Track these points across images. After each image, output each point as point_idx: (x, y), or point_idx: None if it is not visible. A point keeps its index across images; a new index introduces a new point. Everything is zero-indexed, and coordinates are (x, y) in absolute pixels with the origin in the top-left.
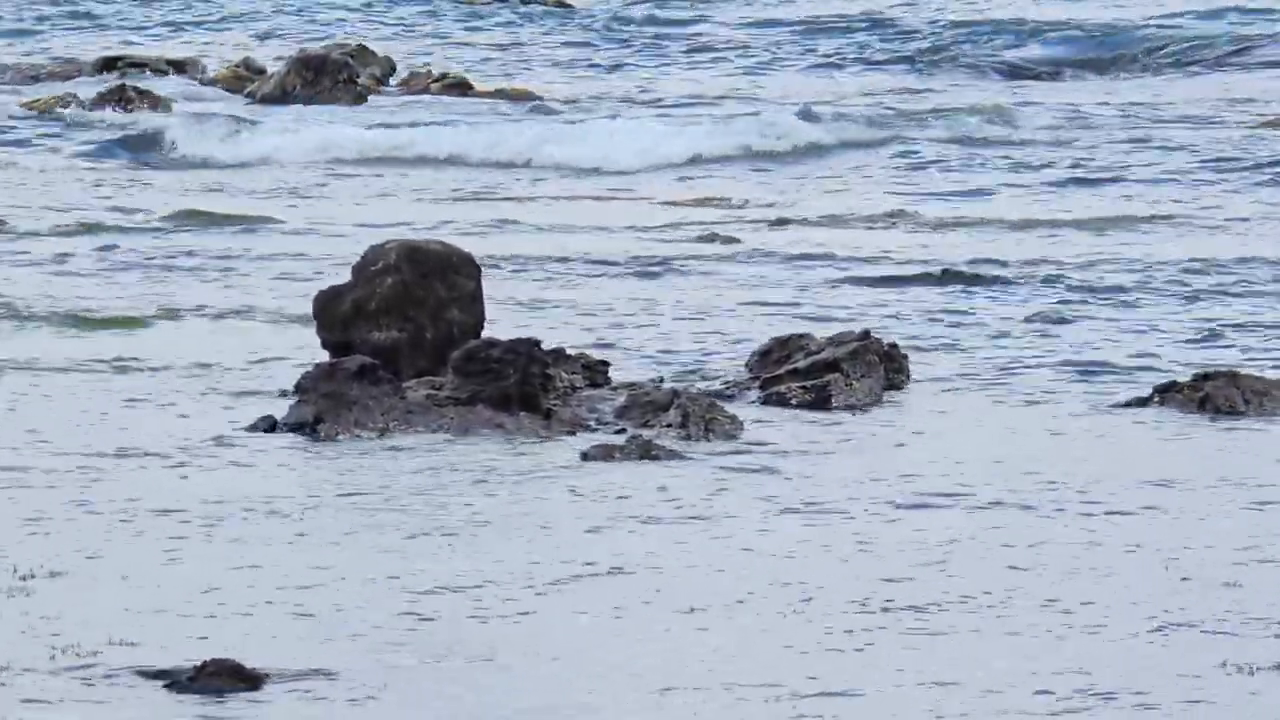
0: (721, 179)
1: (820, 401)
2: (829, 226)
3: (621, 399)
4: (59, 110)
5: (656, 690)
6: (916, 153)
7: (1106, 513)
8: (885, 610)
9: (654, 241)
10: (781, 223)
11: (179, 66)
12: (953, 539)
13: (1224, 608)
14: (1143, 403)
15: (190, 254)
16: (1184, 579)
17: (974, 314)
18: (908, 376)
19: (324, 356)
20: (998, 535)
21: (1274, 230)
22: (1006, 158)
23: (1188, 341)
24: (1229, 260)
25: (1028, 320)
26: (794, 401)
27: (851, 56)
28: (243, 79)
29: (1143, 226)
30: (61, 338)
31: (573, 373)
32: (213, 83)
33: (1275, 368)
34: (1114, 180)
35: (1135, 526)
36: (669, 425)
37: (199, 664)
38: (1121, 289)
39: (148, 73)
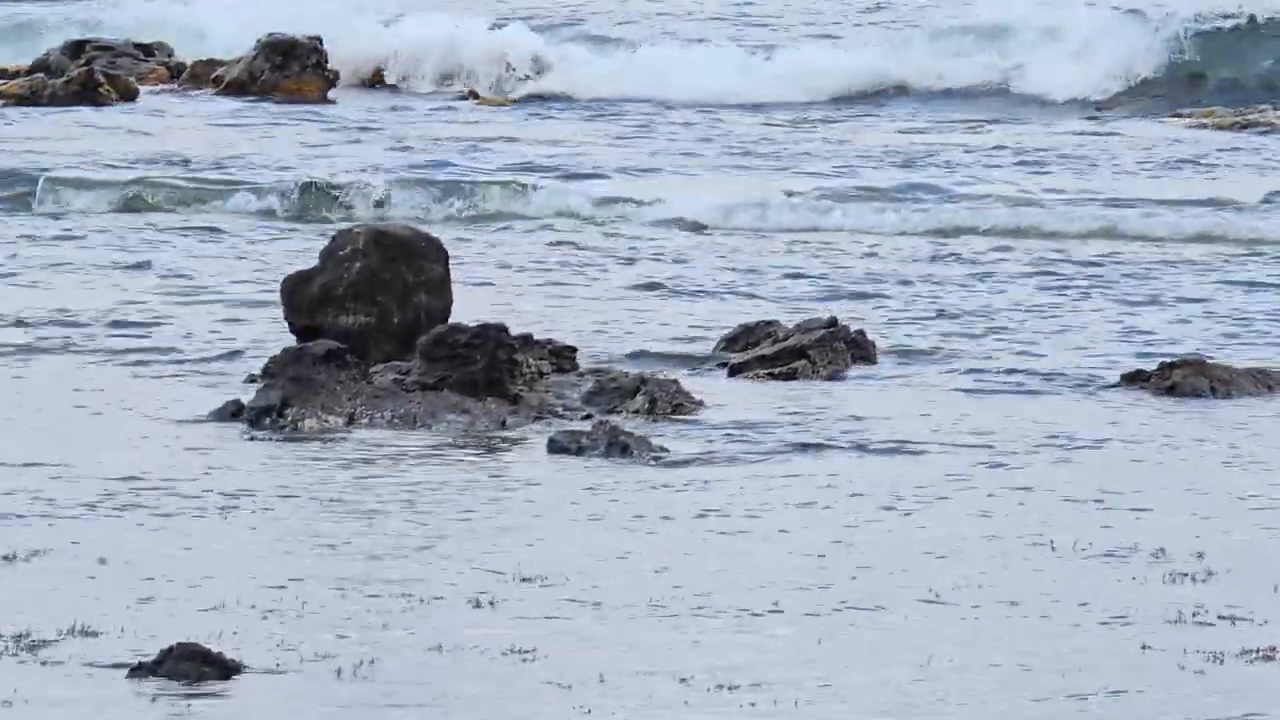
0: None
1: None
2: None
3: (589, 384)
4: None
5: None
6: None
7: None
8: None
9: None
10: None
11: (148, 50)
12: (908, 529)
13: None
14: (1109, 389)
15: None
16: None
17: (944, 301)
18: (875, 363)
19: (291, 340)
20: (956, 525)
21: None
22: None
23: (1157, 332)
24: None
25: (1000, 307)
26: (760, 387)
27: None
28: (213, 63)
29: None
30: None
31: (540, 358)
32: (180, 67)
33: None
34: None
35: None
36: (636, 411)
37: (165, 648)
38: (1096, 277)
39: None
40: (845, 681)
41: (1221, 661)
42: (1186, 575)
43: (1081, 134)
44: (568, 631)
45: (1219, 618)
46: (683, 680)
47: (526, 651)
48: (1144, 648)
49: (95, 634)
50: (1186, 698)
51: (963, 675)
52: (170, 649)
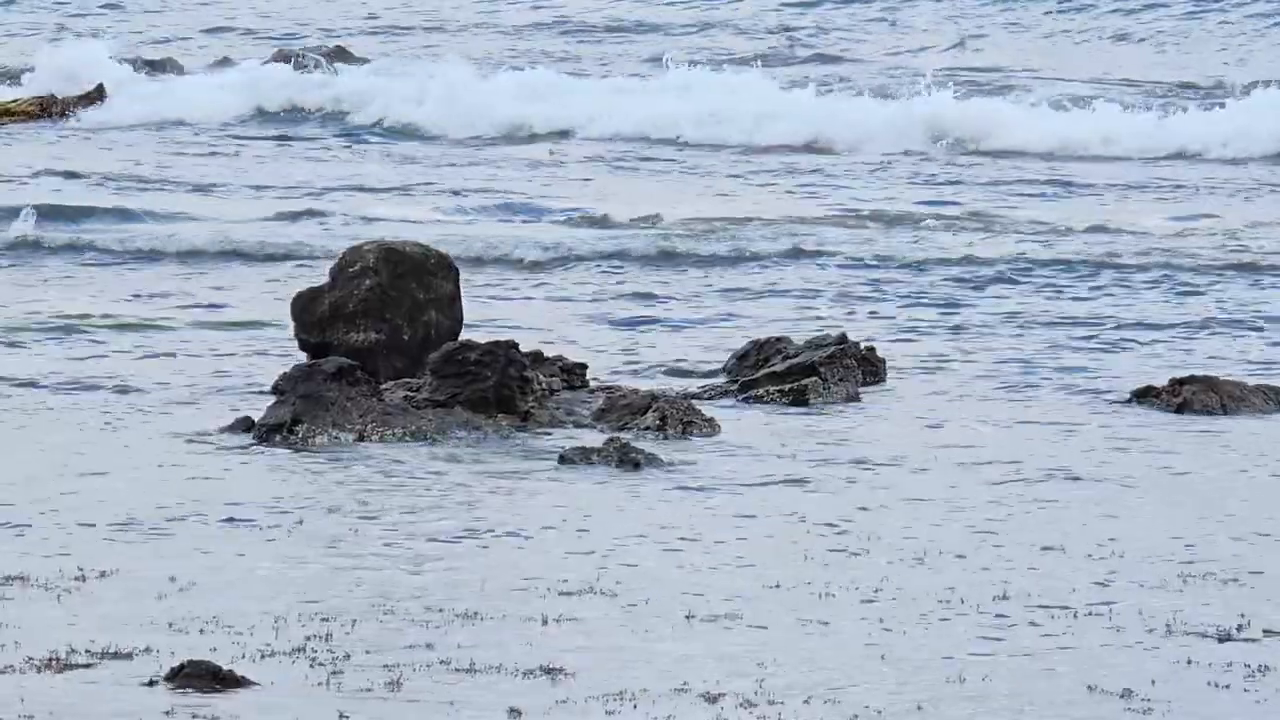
0: None
1: (798, 406)
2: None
3: (599, 401)
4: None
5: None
6: None
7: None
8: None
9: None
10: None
11: (158, 66)
12: (928, 539)
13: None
14: (1122, 405)
15: None
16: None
17: (954, 314)
18: (885, 379)
19: (303, 358)
20: (977, 535)
21: None
22: None
23: (1169, 346)
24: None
25: (1007, 321)
26: (771, 405)
27: None
28: None
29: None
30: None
31: (551, 375)
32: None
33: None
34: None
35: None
36: (647, 428)
37: (175, 665)
38: (1100, 290)
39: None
40: (872, 697)
41: (1264, 674)
42: (1228, 587)
43: None
44: (591, 648)
45: (1264, 632)
46: (712, 698)
47: (556, 670)
48: (1188, 662)
49: (109, 650)
50: (1228, 711)
51: (1002, 687)
52: (180, 666)
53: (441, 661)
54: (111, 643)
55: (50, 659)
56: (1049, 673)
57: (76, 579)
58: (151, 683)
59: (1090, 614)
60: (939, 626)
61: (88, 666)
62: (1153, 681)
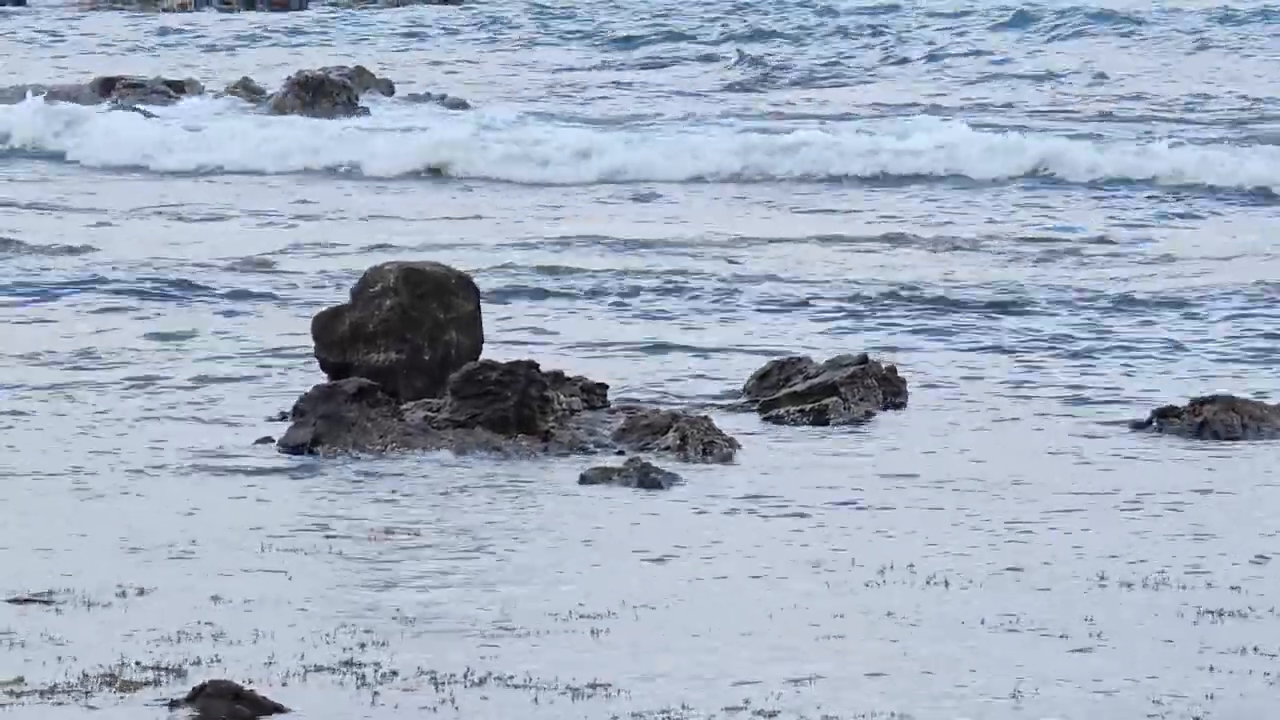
0: None
1: (819, 425)
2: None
3: (620, 421)
4: None
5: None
6: None
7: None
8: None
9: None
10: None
11: (178, 88)
12: (948, 559)
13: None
14: (1140, 426)
15: None
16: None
17: (975, 335)
18: (906, 399)
19: (323, 378)
20: (995, 561)
21: None
22: None
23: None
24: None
25: (1029, 344)
26: (792, 424)
27: None
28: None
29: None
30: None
31: (571, 395)
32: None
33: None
34: None
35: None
36: (667, 448)
37: (197, 686)
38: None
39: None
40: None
41: None
42: (1253, 611)
43: None
44: (631, 667)
45: None
46: (770, 714)
47: (603, 685)
48: (1212, 669)
49: (132, 669)
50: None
51: (1059, 706)
52: (202, 686)
53: (496, 677)
54: (141, 662)
55: (85, 676)
56: (1105, 692)
57: (119, 594)
58: (173, 704)
59: (1136, 632)
60: (986, 643)
61: (128, 685)
62: (1209, 695)
